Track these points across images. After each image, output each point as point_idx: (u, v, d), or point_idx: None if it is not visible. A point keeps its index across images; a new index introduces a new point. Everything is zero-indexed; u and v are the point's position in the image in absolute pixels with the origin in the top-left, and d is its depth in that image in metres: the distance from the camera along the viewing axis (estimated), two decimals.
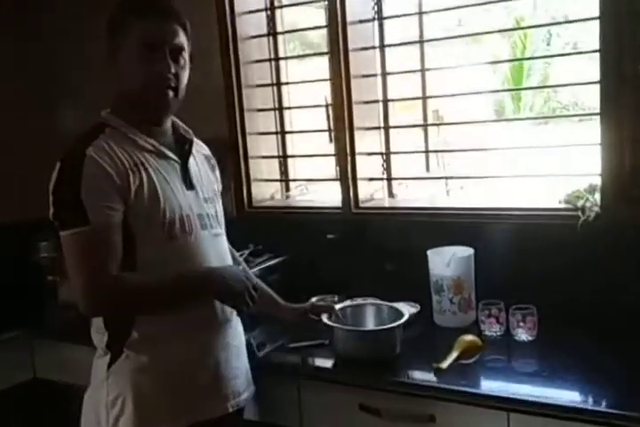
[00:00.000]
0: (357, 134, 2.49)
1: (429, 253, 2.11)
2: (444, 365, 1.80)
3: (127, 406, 1.58)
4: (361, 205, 2.52)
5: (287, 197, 2.87)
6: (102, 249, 1.51)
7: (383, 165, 2.63)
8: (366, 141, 2.54)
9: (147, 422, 1.59)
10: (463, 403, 1.69)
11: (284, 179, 2.85)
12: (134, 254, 1.57)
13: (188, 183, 1.68)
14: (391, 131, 2.59)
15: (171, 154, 1.67)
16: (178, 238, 1.61)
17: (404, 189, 2.67)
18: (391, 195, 2.64)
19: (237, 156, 2.71)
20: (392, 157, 2.62)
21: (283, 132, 2.82)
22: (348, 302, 2.10)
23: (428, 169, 2.76)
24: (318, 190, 2.83)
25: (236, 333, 1.76)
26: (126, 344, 1.59)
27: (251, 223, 2.71)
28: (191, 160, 1.72)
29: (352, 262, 2.50)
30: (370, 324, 2.01)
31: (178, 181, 1.66)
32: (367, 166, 2.56)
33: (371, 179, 2.58)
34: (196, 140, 1.80)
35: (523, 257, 2.16)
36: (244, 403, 1.77)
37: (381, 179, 2.62)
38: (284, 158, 2.85)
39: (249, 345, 1.87)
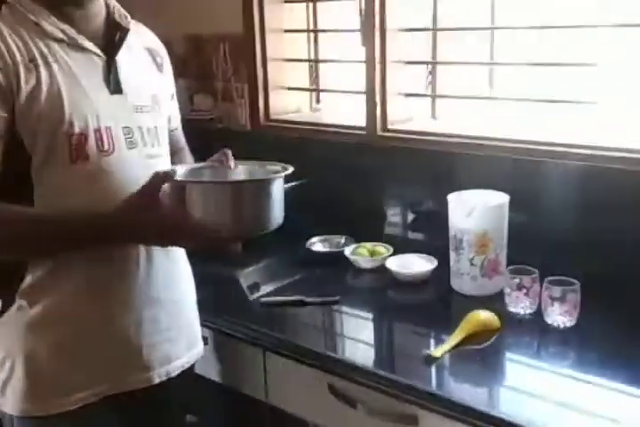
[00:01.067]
0: (391, 36, 1.96)
1: (450, 197, 1.62)
2: (438, 352, 1.36)
3: (16, 371, 1.25)
4: (390, 127, 2.02)
5: (316, 110, 2.39)
6: None
7: (428, 78, 2.10)
8: (403, 46, 2.01)
9: (39, 392, 1.26)
10: (447, 416, 1.25)
11: (311, 88, 2.36)
12: (29, 181, 1.19)
13: (114, 85, 1.26)
14: (439, 35, 2.03)
15: (89, 45, 1.24)
16: (90, 159, 1.21)
17: (453, 111, 2.14)
18: (434, 117, 2.12)
19: (253, 56, 2.24)
20: (439, 68, 2.07)
21: (315, 30, 2.30)
22: (200, 164, 1.37)
23: (491, 86, 2.18)
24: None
25: (175, 283, 1.38)
26: (19, 291, 1.24)
27: (265, 138, 2.28)
28: (122, 55, 1.29)
29: (370, 199, 2.04)
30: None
31: (97, 82, 1.24)
32: (405, 79, 2.04)
33: (408, 94, 2.06)
34: (142, 29, 1.40)
35: (581, 213, 1.64)
36: (182, 369, 1.40)
37: (422, 95, 2.09)
38: (315, 63, 2.35)
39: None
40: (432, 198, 1.89)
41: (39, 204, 1.19)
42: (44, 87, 1.16)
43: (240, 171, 1.33)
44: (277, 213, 1.26)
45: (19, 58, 1.15)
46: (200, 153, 1.38)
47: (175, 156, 1.46)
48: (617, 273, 1.56)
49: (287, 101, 2.36)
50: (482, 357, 1.40)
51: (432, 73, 2.11)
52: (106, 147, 1.22)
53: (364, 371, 1.35)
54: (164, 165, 1.33)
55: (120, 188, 1.23)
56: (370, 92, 2.00)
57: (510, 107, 1.97)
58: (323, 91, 2.37)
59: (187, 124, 2.39)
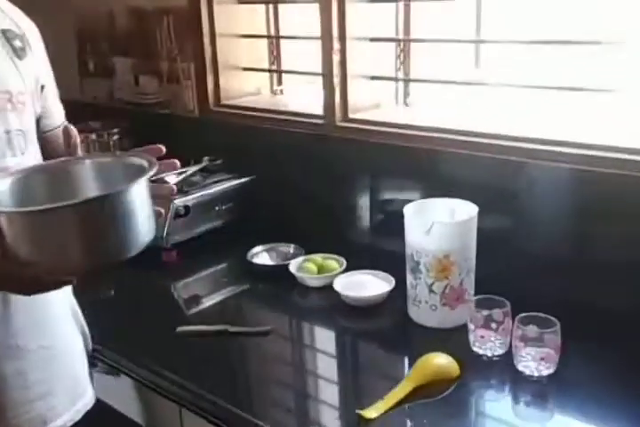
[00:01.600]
0: (352, 7, 1.64)
1: (407, 208, 1.30)
2: (372, 412, 1.07)
3: None
4: (352, 116, 1.71)
5: (275, 93, 2.08)
6: None
7: (399, 59, 1.78)
8: (368, 19, 1.69)
9: None
10: None
11: (269, 68, 2.05)
12: None
13: None
14: (414, 6, 1.70)
15: None
16: None
17: (430, 99, 1.82)
18: (406, 104, 1.80)
19: (199, 32, 1.92)
20: (413, 46, 1.75)
21: (275, 1, 1.98)
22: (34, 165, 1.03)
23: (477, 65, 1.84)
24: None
25: (43, 326, 1.09)
26: None
27: (214, 128, 1.98)
28: None
29: (328, 200, 1.74)
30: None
31: None
32: (372, 59, 1.72)
33: (374, 77, 1.74)
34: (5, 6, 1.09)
35: (573, 229, 1.33)
36: None
37: (391, 78, 1.77)
38: (275, 40, 2.04)
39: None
40: (397, 203, 1.58)
41: None
42: None
43: (88, 168, 0.99)
44: (137, 233, 0.87)
45: None
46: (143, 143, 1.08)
47: None
48: (611, 306, 1.25)
49: (243, 84, 2.05)
50: (431, 418, 1.10)
51: (404, 52, 1.78)
52: None
53: None
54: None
55: None
56: (327, 75, 1.68)
57: (502, 94, 1.65)
58: (280, 72, 2.06)
59: (132, 108, 2.13)
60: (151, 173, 0.88)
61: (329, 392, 1.17)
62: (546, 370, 1.15)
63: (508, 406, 1.14)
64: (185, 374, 1.20)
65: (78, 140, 1.02)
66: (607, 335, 1.21)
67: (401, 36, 1.75)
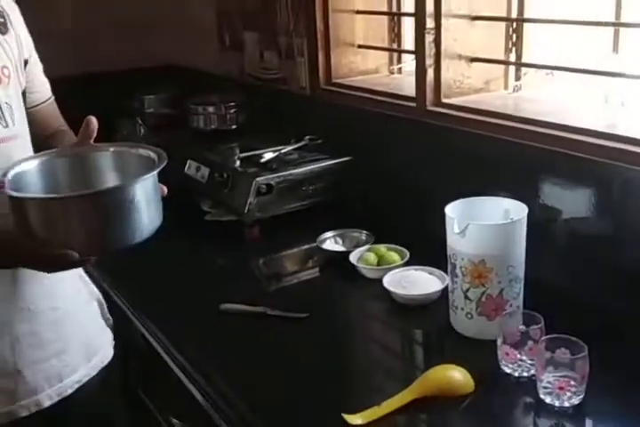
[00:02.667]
0: None
1: (448, 208, 1.19)
2: (358, 419, 1.00)
3: None
4: (444, 100, 1.59)
5: (392, 72, 2.00)
6: None
7: (511, 39, 1.62)
8: None
9: None
10: None
11: (386, 47, 1.97)
12: None
13: None
14: None
15: None
16: None
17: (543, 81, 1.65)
18: (516, 89, 1.65)
19: (312, 7, 1.89)
20: (526, 27, 1.59)
21: None
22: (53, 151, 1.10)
23: (616, 50, 1.62)
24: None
25: (53, 288, 1.14)
26: None
27: (322, 106, 1.95)
28: None
29: (406, 190, 1.64)
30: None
31: None
32: (473, 39, 1.59)
33: (473, 59, 1.60)
34: None
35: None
36: (80, 383, 1.18)
37: (492, 61, 1.62)
38: (396, 17, 1.95)
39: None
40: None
41: None
42: None
43: (104, 157, 1.05)
44: (145, 222, 0.98)
45: None
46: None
47: (51, 140, 1.20)
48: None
49: (360, 62, 1.99)
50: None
51: (517, 32, 1.62)
52: None
53: None
54: (22, 148, 1.09)
55: None
56: (419, 55, 1.58)
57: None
58: (397, 51, 1.97)
59: (257, 83, 2.15)
60: (161, 166, 0.98)
61: (327, 388, 1.11)
62: (572, 401, 1.01)
63: None
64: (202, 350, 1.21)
65: (95, 133, 1.05)
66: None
67: (513, 15, 1.59)
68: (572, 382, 1.00)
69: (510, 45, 1.62)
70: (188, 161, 1.95)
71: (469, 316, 1.18)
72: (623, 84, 1.45)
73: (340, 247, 1.58)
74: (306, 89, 1.99)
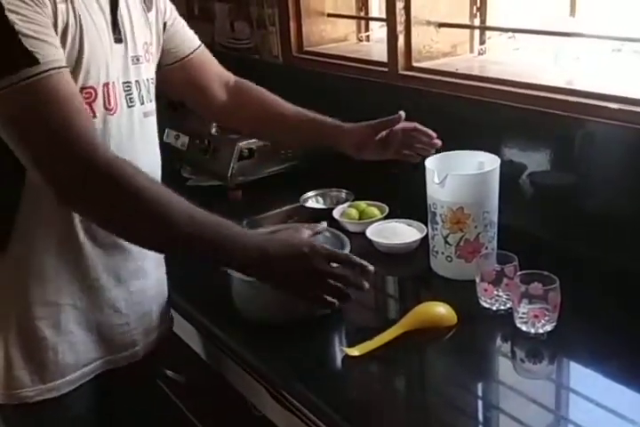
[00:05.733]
0: None
1: (428, 160, 1.29)
2: (355, 351, 1.11)
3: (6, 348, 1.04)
4: (415, 64, 1.68)
5: (361, 40, 2.08)
6: (72, 101, 0.92)
7: (476, 3, 1.72)
8: None
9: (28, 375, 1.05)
10: None
11: (354, 15, 2.05)
12: None
13: (117, 32, 1.03)
14: None
15: None
16: (96, 119, 1.00)
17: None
18: (481, 52, 1.75)
19: None
20: None
21: None
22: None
23: (572, 13, 1.73)
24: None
25: (144, 271, 1.17)
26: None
27: (296, 74, 2.02)
28: None
29: None
30: None
31: (104, 28, 1.01)
32: (441, 5, 1.68)
33: (441, 24, 1.69)
34: None
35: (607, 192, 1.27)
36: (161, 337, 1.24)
37: (458, 26, 1.71)
38: None
39: None
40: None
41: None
42: (71, 28, 0.94)
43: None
44: None
45: None
46: None
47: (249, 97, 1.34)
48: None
49: (330, 30, 2.06)
50: (414, 362, 1.12)
51: None
52: (111, 104, 1.02)
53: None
54: (154, 123, 1.14)
55: (117, 152, 1.00)
56: (390, 21, 1.66)
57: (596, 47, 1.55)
58: (369, 19, 2.04)
59: (228, 53, 2.21)
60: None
61: (326, 328, 1.21)
62: (546, 327, 1.13)
63: (498, 359, 1.14)
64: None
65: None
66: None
67: None
68: (546, 312, 1.12)
69: (475, 10, 1.71)
70: (167, 130, 2.01)
71: (449, 259, 1.29)
72: (579, 44, 1.56)
73: (321, 206, 1.67)
74: (278, 58, 2.06)
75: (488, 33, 1.73)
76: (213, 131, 1.88)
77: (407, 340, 1.13)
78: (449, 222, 1.25)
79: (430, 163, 1.27)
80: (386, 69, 1.71)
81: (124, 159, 0.94)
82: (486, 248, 1.28)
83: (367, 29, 2.09)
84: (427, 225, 1.41)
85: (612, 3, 1.65)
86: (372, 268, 1.04)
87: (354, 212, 1.56)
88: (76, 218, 1.02)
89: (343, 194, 1.69)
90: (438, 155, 1.30)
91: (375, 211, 1.56)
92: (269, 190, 1.79)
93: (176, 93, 1.36)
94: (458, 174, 1.22)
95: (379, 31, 2.07)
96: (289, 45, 2.02)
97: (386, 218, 1.54)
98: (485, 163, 1.29)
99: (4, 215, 1.00)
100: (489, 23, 1.71)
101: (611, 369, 1.04)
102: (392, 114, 1.69)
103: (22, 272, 1.03)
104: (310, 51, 2.01)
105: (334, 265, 1.03)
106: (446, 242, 1.27)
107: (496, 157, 1.26)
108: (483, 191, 1.24)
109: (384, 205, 1.58)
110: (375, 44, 2.02)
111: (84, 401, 1.11)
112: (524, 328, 1.14)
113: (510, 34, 1.75)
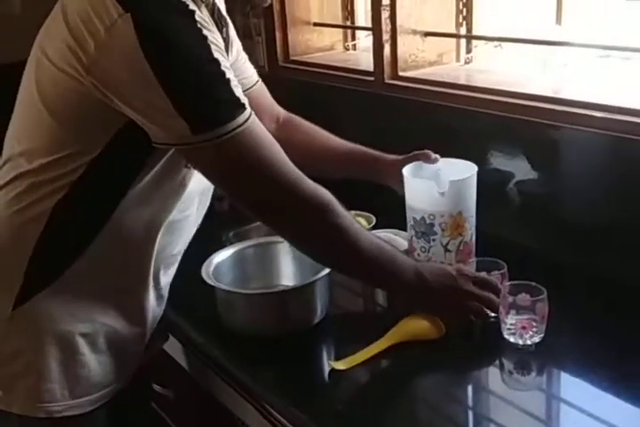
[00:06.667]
0: None
1: (406, 170, 1.28)
2: (341, 365, 1.09)
3: (34, 364, 1.03)
4: (402, 73, 1.68)
5: (347, 49, 2.08)
6: (274, 141, 0.98)
7: (461, 13, 1.71)
8: None
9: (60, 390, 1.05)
10: None
11: (340, 24, 2.04)
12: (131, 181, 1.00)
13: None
14: None
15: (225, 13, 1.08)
16: (190, 167, 1.03)
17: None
18: (467, 61, 1.74)
19: None
20: (476, 1, 1.69)
21: None
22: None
23: (558, 21, 1.72)
24: None
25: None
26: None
27: (281, 84, 2.00)
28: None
29: None
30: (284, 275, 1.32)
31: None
32: (427, 14, 1.67)
33: (427, 33, 1.69)
34: None
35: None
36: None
37: (444, 35, 1.71)
38: None
39: None
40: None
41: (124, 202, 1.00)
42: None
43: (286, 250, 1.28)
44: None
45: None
46: None
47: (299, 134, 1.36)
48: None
49: (316, 40, 2.06)
50: (402, 374, 1.11)
51: (467, 6, 1.72)
52: None
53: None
54: None
55: (187, 200, 1.07)
56: (376, 30, 1.66)
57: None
58: (354, 28, 2.04)
59: None
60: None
61: (313, 342, 1.20)
62: (534, 339, 1.12)
63: (486, 371, 1.13)
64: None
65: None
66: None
67: None
68: (534, 323, 1.11)
69: (461, 19, 1.71)
70: None
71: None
72: (565, 53, 1.56)
73: None
74: (265, 67, 2.05)
75: (474, 42, 1.73)
76: None
77: (394, 353, 1.11)
78: (449, 229, 1.24)
79: (409, 173, 1.26)
80: (372, 79, 1.71)
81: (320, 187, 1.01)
82: (474, 246, 1.28)
83: (354, 38, 2.08)
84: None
85: (598, 10, 1.65)
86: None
87: None
88: (145, 253, 1.05)
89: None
90: (413, 165, 1.29)
91: (362, 221, 1.54)
92: None
93: None
94: (459, 179, 1.22)
95: (365, 40, 2.06)
96: (275, 55, 2.01)
97: (373, 228, 1.52)
98: (442, 170, 1.28)
99: (78, 244, 1.01)
100: (475, 32, 1.71)
101: (600, 379, 1.03)
102: (378, 123, 1.70)
103: (77, 290, 1.03)
104: (296, 60, 2.01)
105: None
106: (447, 250, 1.26)
107: (471, 165, 1.26)
108: (473, 193, 1.25)
109: (371, 215, 1.57)
110: (362, 53, 2.01)
111: (98, 423, 1.10)
112: (511, 340, 1.12)
113: (497, 42, 1.74)
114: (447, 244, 1.27)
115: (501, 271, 1.18)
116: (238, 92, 0.91)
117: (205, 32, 0.88)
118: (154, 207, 1.03)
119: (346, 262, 1.06)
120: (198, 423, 1.40)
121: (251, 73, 1.28)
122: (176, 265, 1.17)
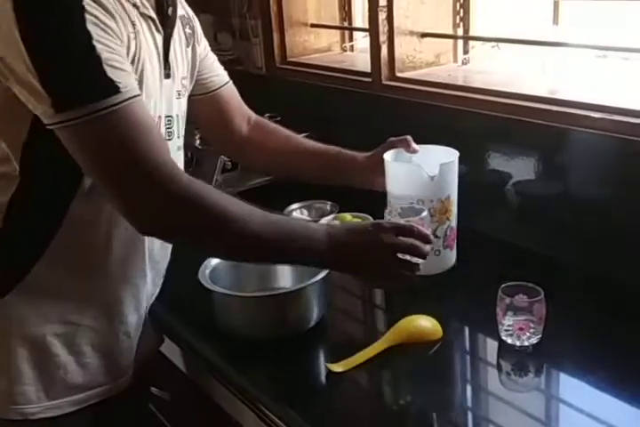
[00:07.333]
0: None
1: (387, 155, 1.27)
2: (339, 368, 1.09)
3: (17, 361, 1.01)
4: (399, 74, 1.67)
5: (345, 50, 2.08)
6: (151, 130, 0.91)
7: (458, 14, 1.71)
8: None
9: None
10: None
11: (338, 25, 2.04)
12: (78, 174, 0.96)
13: (166, 68, 1.03)
14: None
15: (154, 15, 0.99)
16: None
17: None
18: (465, 61, 1.74)
19: None
20: (473, 2, 1.68)
21: None
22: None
23: (556, 21, 1.72)
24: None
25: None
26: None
27: (279, 85, 2.01)
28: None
29: None
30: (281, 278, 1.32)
31: (155, 64, 0.99)
32: (423, 15, 1.67)
33: (424, 35, 1.69)
34: None
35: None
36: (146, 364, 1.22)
37: (440, 36, 1.70)
38: None
39: None
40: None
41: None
42: (135, 61, 0.93)
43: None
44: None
45: (125, 27, 0.91)
46: None
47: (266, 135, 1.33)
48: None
49: (314, 41, 2.06)
50: (400, 376, 1.11)
51: (464, 7, 1.71)
52: None
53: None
54: (182, 158, 1.13)
55: None
56: (373, 32, 1.66)
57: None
58: (351, 29, 2.04)
59: None
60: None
61: (310, 344, 1.19)
62: (532, 340, 1.11)
63: (485, 372, 1.12)
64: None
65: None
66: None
67: None
68: (531, 324, 1.10)
69: (458, 20, 1.71)
70: None
71: (437, 253, 1.26)
72: (563, 53, 1.56)
73: (306, 218, 1.66)
74: (262, 69, 2.05)
75: (472, 42, 1.73)
76: (197, 143, 1.86)
77: (391, 355, 1.11)
78: (438, 214, 1.23)
79: (391, 159, 1.25)
80: (369, 80, 1.71)
81: (200, 182, 0.94)
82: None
83: (351, 39, 2.08)
84: None
85: (595, 11, 1.65)
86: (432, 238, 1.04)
87: (339, 224, 1.54)
88: (111, 248, 1.02)
89: (328, 206, 1.68)
90: (393, 152, 1.28)
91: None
92: (255, 202, 1.77)
93: (197, 124, 1.34)
94: (448, 162, 1.21)
95: (363, 41, 2.06)
96: (272, 56, 2.01)
97: None
98: (413, 157, 1.28)
99: (40, 241, 0.98)
100: (472, 33, 1.70)
101: (598, 379, 1.03)
102: (376, 124, 1.70)
103: (46, 290, 1.00)
104: (294, 61, 2.01)
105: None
106: (435, 236, 1.24)
107: (452, 151, 1.26)
108: (456, 175, 1.24)
109: (369, 216, 1.56)
110: (359, 54, 2.01)
111: (82, 424, 1.08)
112: (509, 341, 1.12)
113: (494, 43, 1.74)
114: (436, 229, 1.26)
115: (420, 216, 1.11)
116: (115, 73, 0.85)
117: (87, 6, 0.83)
118: None
119: (242, 250, 0.98)
120: (196, 426, 1.40)
121: (221, 72, 1.27)
122: (158, 260, 1.13)
